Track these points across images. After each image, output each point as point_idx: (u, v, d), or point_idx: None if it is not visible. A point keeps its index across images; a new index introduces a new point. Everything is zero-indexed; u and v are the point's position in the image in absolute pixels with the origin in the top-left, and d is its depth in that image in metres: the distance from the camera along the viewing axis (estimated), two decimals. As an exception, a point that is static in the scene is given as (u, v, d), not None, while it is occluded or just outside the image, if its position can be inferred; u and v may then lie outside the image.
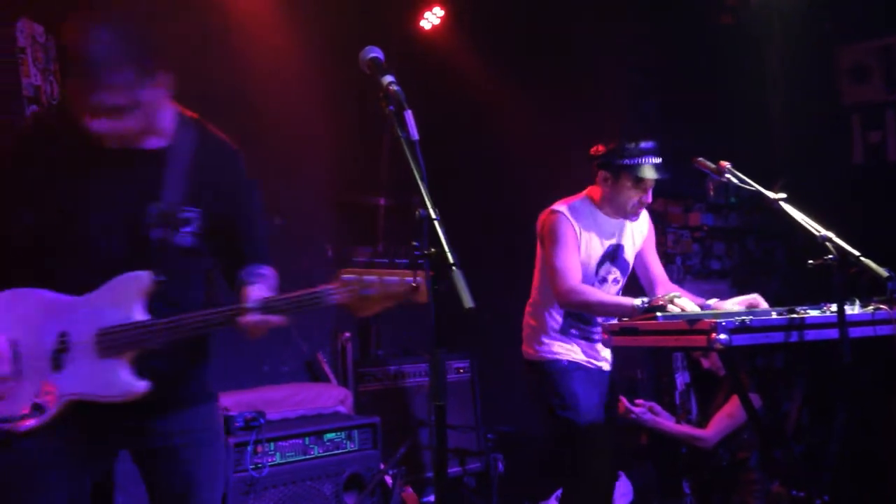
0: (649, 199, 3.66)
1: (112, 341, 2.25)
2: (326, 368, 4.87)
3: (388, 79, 2.20)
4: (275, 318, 2.24)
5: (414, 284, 2.14)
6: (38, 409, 2.28)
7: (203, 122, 2.48)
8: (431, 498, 4.68)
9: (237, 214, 2.47)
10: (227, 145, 2.49)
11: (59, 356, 2.28)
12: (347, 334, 4.96)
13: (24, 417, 2.27)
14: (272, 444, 3.87)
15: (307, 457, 3.99)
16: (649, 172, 3.58)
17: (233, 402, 4.02)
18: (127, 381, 2.26)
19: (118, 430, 2.36)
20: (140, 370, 2.28)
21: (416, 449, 4.72)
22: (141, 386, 2.26)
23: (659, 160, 3.60)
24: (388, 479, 4.10)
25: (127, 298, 2.28)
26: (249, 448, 3.76)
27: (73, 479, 2.34)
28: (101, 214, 2.32)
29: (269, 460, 3.83)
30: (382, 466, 4.16)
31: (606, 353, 3.78)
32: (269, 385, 4.52)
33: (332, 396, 4.47)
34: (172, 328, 2.25)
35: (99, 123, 2.22)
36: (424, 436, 4.78)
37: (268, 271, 2.47)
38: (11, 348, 2.28)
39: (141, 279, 2.28)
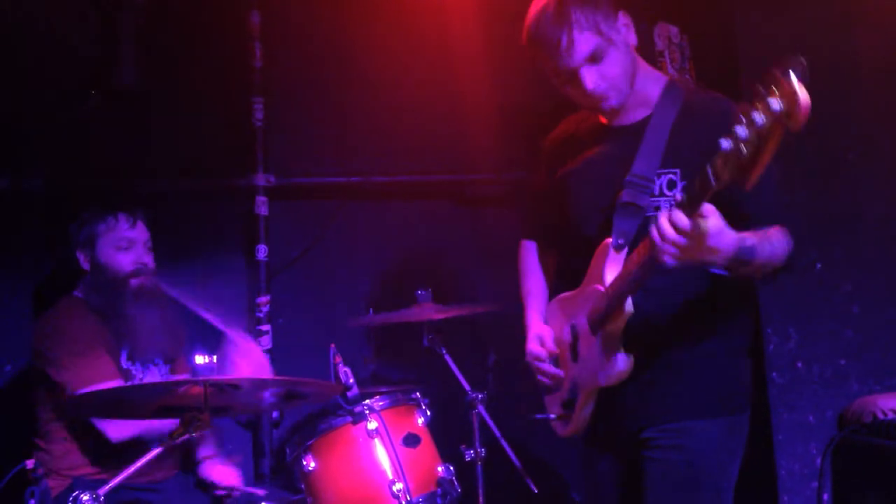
0: None
1: (592, 318, 2.21)
2: None
3: None
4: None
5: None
6: (568, 405, 2.35)
7: (697, 87, 2.36)
8: None
9: None
10: (717, 102, 2.27)
11: (574, 348, 2.31)
12: None
13: (559, 417, 2.38)
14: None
15: None
16: None
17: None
18: (610, 360, 2.14)
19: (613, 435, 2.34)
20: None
21: None
22: (621, 362, 2.13)
23: None
24: None
25: (597, 269, 2.21)
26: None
27: None
28: (581, 195, 2.34)
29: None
30: None
31: None
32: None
33: None
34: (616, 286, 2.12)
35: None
36: None
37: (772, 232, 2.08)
38: (557, 350, 2.40)
39: (603, 248, 2.20)
